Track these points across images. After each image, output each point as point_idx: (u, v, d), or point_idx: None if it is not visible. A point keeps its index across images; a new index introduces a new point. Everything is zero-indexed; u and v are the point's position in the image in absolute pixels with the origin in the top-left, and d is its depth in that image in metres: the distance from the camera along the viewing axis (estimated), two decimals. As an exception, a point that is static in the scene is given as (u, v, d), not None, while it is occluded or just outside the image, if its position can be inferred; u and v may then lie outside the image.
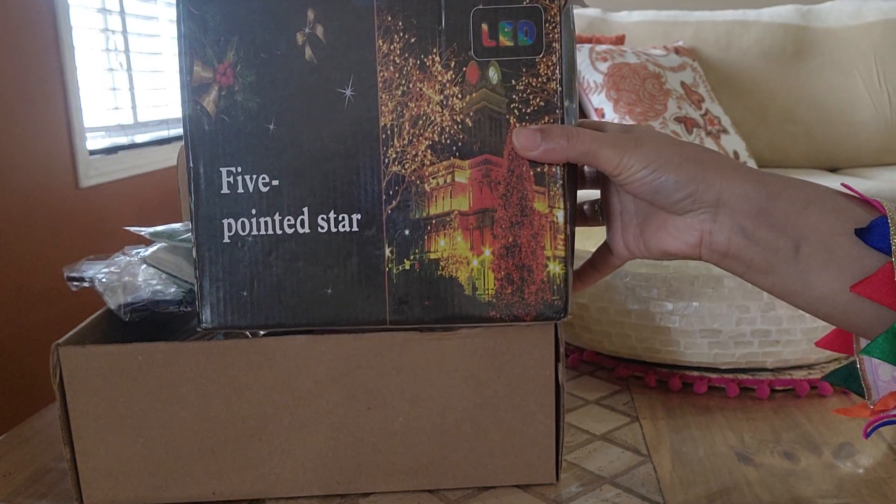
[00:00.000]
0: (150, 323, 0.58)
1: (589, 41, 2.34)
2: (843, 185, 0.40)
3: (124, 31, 2.34)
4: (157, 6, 2.58)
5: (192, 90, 0.43)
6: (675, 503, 0.49)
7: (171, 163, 2.43)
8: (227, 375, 0.48)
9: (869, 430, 0.39)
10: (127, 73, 2.37)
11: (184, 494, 0.50)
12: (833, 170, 2.43)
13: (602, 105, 2.15)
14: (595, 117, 2.17)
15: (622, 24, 2.50)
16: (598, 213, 0.48)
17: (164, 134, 2.56)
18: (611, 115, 2.12)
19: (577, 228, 0.48)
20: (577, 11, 2.55)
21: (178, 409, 0.49)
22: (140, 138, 2.42)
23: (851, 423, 0.59)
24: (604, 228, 0.48)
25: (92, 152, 2.13)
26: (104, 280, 0.55)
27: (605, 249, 0.47)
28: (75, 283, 0.57)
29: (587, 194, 0.49)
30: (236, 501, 0.50)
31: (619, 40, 2.38)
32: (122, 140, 2.32)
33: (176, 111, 2.66)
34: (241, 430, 0.49)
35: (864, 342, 0.39)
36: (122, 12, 2.34)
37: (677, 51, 2.33)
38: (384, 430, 0.49)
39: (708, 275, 0.63)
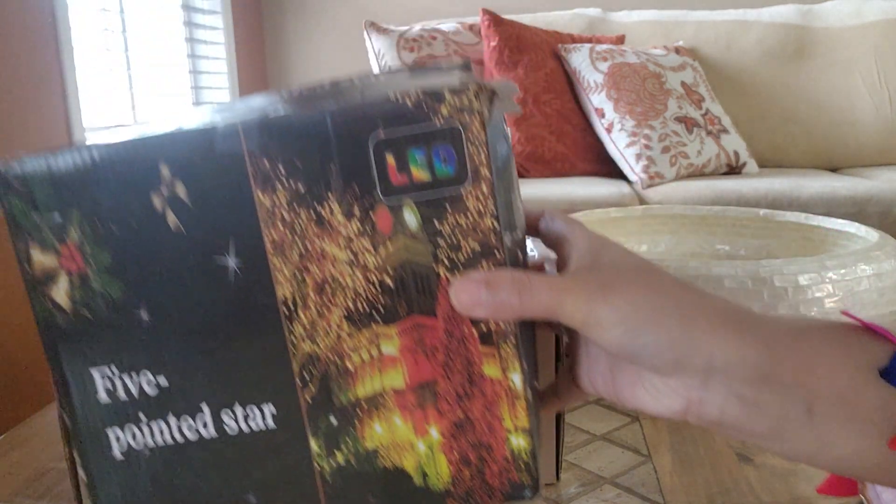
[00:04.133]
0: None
1: (589, 41, 2.34)
2: (843, 312, 0.35)
3: (124, 32, 2.35)
4: (157, 6, 2.58)
5: (36, 281, 0.35)
6: (675, 503, 0.49)
7: (171, 163, 2.43)
8: (226, 376, 0.48)
9: None
10: (126, 72, 2.37)
11: (183, 495, 0.50)
12: (833, 170, 2.43)
13: (602, 105, 2.15)
14: (595, 117, 2.17)
15: (622, 24, 2.50)
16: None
17: (164, 134, 2.56)
18: (611, 115, 2.12)
19: None
20: (577, 11, 2.55)
21: (178, 410, 0.48)
22: (140, 138, 2.42)
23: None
24: None
25: (92, 152, 2.13)
26: (104, 280, 0.55)
27: (567, 377, 0.39)
28: (75, 283, 0.57)
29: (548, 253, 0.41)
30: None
31: (620, 40, 2.38)
32: (122, 140, 2.32)
33: (176, 110, 2.66)
34: (241, 431, 0.49)
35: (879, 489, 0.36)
36: (121, 12, 2.34)
37: (677, 51, 2.33)
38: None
39: (708, 275, 0.63)
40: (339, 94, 0.35)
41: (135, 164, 0.33)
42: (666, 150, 2.05)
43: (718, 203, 1.86)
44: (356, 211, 0.33)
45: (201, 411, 0.36)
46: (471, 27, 2.34)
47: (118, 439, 0.36)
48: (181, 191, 0.34)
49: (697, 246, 0.90)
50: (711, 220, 0.89)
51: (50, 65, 1.96)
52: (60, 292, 0.35)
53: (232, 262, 0.34)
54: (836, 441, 0.31)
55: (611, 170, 2.14)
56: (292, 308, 0.35)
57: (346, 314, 0.35)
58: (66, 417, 0.36)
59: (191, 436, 0.36)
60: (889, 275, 0.63)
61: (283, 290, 0.34)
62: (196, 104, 2.81)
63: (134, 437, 0.36)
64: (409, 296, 0.34)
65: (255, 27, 3.13)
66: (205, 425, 0.36)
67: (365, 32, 2.28)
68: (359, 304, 0.34)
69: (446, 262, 0.34)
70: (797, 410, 0.31)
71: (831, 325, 0.33)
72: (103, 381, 0.36)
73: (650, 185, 2.02)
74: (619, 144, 2.09)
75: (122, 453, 0.36)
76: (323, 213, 0.34)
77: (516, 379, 0.35)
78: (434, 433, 0.36)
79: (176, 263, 0.34)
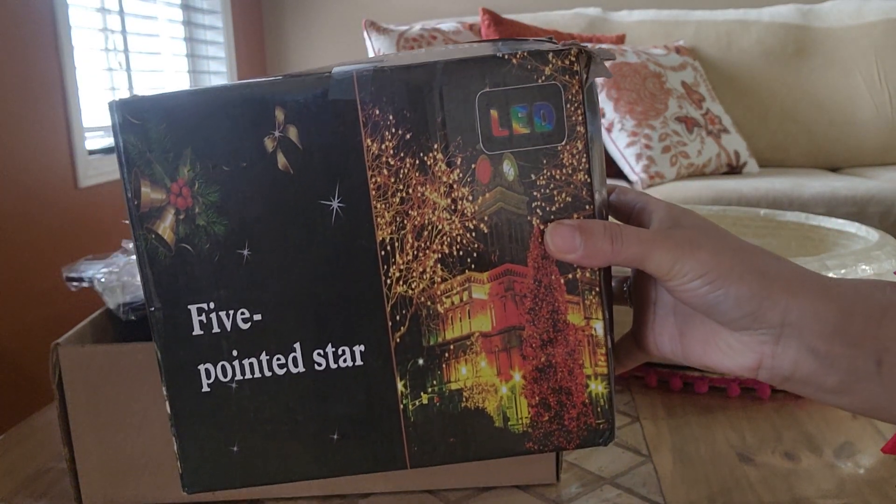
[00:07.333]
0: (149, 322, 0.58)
1: (589, 41, 2.33)
2: None
3: (123, 31, 2.34)
4: (157, 6, 2.58)
5: (143, 217, 0.36)
6: (675, 503, 0.49)
7: (171, 162, 2.42)
8: (226, 375, 0.48)
9: None
10: (126, 72, 2.37)
11: (183, 494, 0.50)
12: (834, 169, 2.43)
13: (602, 104, 2.15)
14: (595, 117, 2.16)
15: (622, 24, 2.50)
16: (627, 294, 0.42)
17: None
18: (611, 115, 2.12)
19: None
20: (578, 10, 2.55)
21: (178, 410, 0.48)
22: (140, 138, 2.42)
23: (853, 422, 0.59)
24: (628, 310, 0.42)
25: (91, 152, 2.13)
26: (103, 280, 0.55)
27: (629, 340, 0.41)
28: (74, 284, 0.57)
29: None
30: (236, 501, 0.50)
31: (620, 40, 2.38)
32: (122, 140, 2.32)
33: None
34: (241, 431, 0.49)
35: None
36: (121, 12, 2.34)
37: (678, 50, 2.33)
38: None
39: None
40: (441, 54, 0.37)
41: (251, 106, 0.35)
42: (666, 149, 2.05)
43: (719, 203, 1.86)
44: (458, 161, 0.35)
45: (294, 350, 0.37)
46: (471, 27, 2.34)
47: (208, 374, 0.37)
48: (293, 134, 0.35)
49: (698, 245, 0.90)
50: (712, 220, 0.89)
51: (50, 65, 1.96)
52: (165, 227, 0.36)
53: (336, 203, 0.36)
54: None
55: (611, 169, 2.14)
56: (389, 251, 0.36)
57: (440, 259, 0.36)
58: (157, 352, 0.37)
59: (279, 371, 0.37)
60: (889, 275, 0.63)
61: (383, 233, 0.36)
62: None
63: (224, 371, 0.37)
64: (502, 243, 0.36)
65: (255, 27, 3.12)
66: (295, 362, 0.37)
67: (365, 32, 2.28)
68: (454, 250, 0.36)
69: (540, 212, 0.36)
70: (866, 363, 0.33)
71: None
72: (199, 318, 0.37)
73: (650, 185, 2.02)
74: (620, 144, 2.09)
75: (209, 385, 0.37)
76: (427, 161, 0.35)
77: (598, 327, 0.37)
78: (517, 377, 0.37)
79: (281, 204, 0.36)
